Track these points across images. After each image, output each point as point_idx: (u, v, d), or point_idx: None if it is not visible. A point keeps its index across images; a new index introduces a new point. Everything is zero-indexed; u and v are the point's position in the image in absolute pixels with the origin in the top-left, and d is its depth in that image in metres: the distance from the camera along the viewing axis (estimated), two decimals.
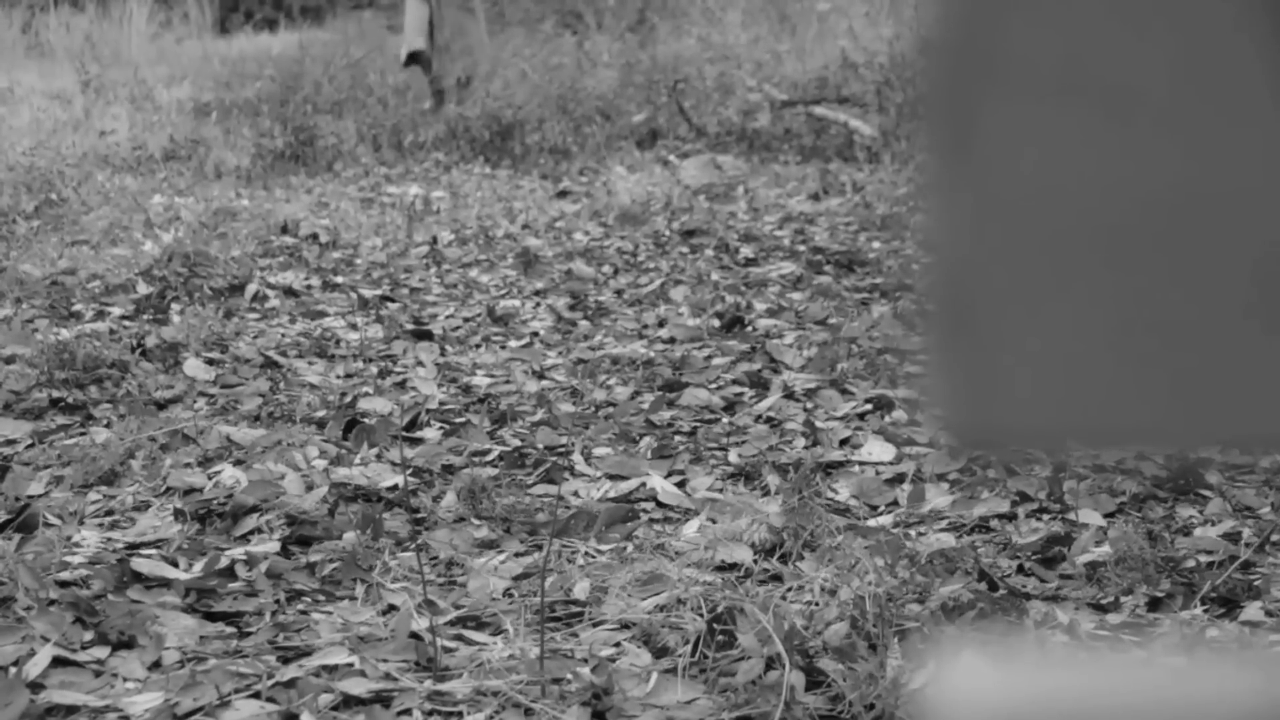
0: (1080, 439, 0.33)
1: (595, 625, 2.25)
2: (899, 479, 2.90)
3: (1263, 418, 0.31)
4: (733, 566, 2.45)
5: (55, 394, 3.51)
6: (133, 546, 2.58)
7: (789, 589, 2.31)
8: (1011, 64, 0.32)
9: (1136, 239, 0.32)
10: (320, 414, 3.39)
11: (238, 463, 3.00)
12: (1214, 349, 0.31)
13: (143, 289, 4.80)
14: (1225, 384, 0.31)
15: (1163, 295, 0.32)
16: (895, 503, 2.79)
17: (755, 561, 2.46)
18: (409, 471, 2.95)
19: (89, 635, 2.16)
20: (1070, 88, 0.32)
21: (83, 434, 3.24)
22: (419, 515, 2.75)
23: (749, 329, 4.25)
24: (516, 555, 2.57)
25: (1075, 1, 0.32)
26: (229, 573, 2.44)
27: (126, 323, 4.38)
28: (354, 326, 4.44)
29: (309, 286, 5.05)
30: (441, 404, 3.55)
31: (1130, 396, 0.32)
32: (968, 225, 0.33)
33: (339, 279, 5.19)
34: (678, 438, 3.26)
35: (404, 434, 3.25)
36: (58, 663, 2.09)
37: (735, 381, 3.70)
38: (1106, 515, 2.63)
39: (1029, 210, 0.33)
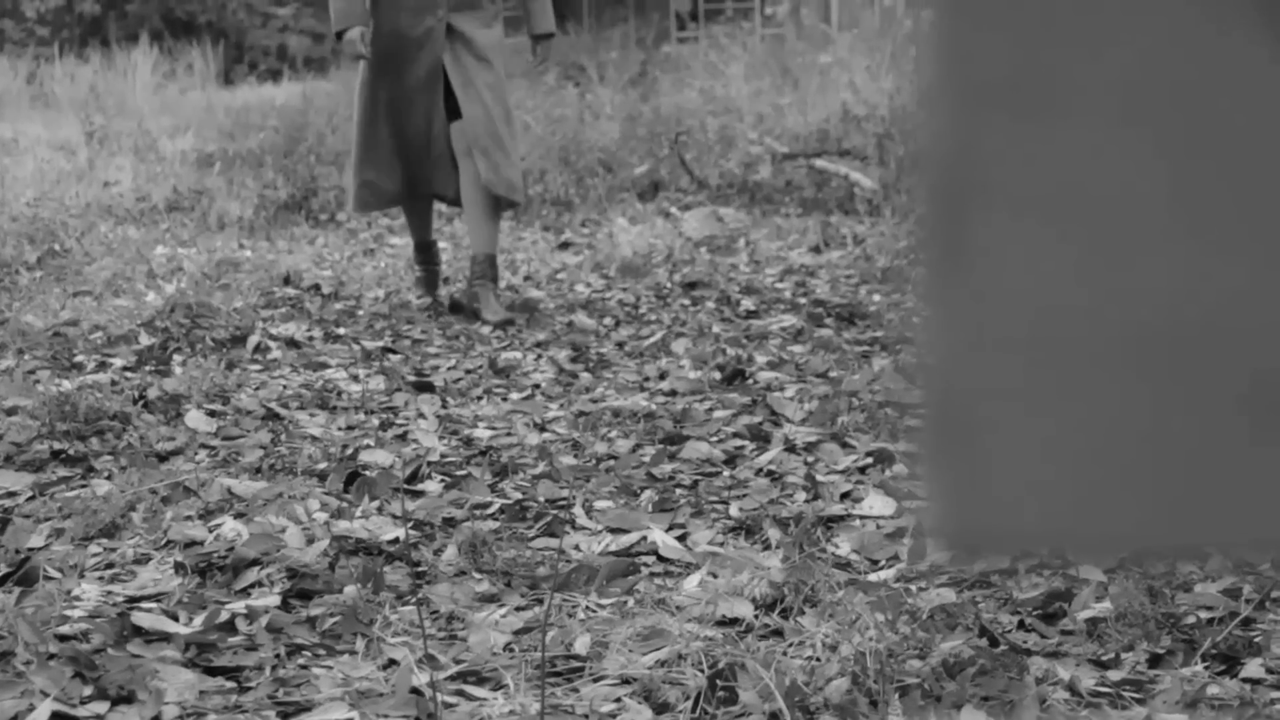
0: (1069, 544, 0.34)
1: (596, 681, 2.25)
2: (900, 533, 2.89)
3: (1247, 523, 0.31)
4: (734, 621, 2.45)
5: (56, 446, 3.51)
6: (133, 600, 2.58)
7: (790, 645, 2.31)
8: (1003, 185, 0.33)
9: (1126, 353, 0.33)
10: (321, 466, 3.39)
11: (239, 515, 3.00)
12: (1199, 458, 0.32)
13: (145, 340, 4.81)
14: (1211, 491, 0.31)
15: (1151, 406, 0.32)
16: (896, 557, 2.79)
17: (756, 617, 2.46)
18: (410, 525, 2.95)
19: (88, 690, 2.16)
20: (1060, 208, 0.32)
21: (84, 486, 3.24)
22: (420, 569, 2.75)
23: (750, 382, 4.25)
24: (517, 609, 2.57)
25: (1064, 124, 0.32)
26: (229, 627, 2.43)
27: (128, 374, 4.39)
28: (356, 378, 4.44)
29: (311, 338, 5.06)
30: (443, 456, 3.55)
31: (1118, 502, 0.33)
32: (962, 338, 0.34)
33: (341, 330, 5.20)
34: (679, 491, 3.26)
35: (405, 486, 3.25)
36: (57, 718, 2.09)
37: (736, 434, 3.70)
38: (1107, 571, 2.63)
39: (1021, 323, 0.34)
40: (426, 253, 5.86)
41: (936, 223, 0.33)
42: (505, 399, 4.20)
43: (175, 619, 2.46)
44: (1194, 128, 0.31)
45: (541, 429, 3.83)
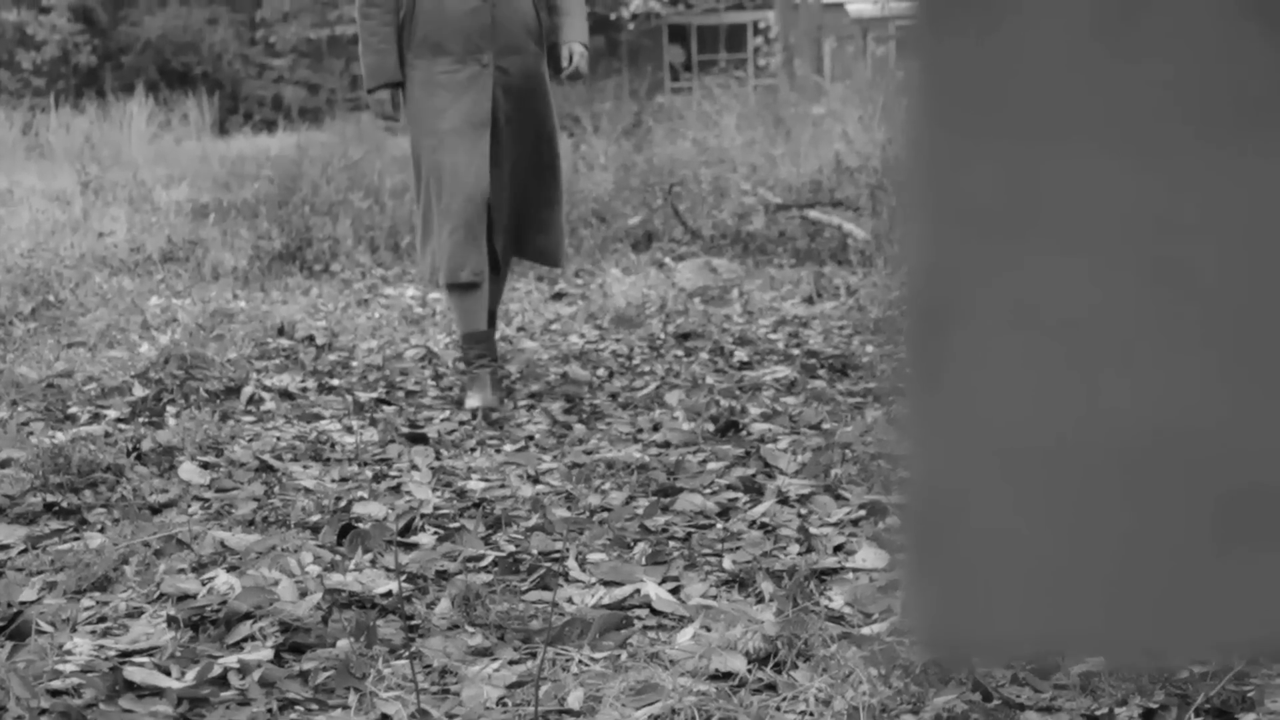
0: (1042, 649, 0.35)
1: None
2: (893, 586, 2.89)
3: (1214, 629, 0.32)
4: (727, 676, 2.44)
5: (50, 498, 3.51)
6: (125, 654, 2.57)
7: (783, 699, 2.30)
8: (981, 303, 0.34)
9: (1099, 467, 0.33)
10: (315, 519, 3.39)
11: (232, 568, 3.00)
12: (1169, 566, 0.33)
13: (139, 391, 4.81)
14: (1180, 598, 0.32)
15: (1123, 517, 0.33)
16: (890, 610, 2.79)
17: (750, 671, 2.45)
18: (403, 578, 2.95)
19: None
20: (1036, 327, 0.33)
21: (76, 539, 3.24)
22: (413, 622, 2.74)
23: (743, 433, 4.26)
24: (510, 663, 2.57)
25: (1040, 246, 0.33)
26: (222, 681, 2.43)
27: (122, 426, 4.39)
28: (349, 430, 4.44)
29: (305, 389, 5.06)
30: (436, 509, 3.55)
31: (1089, 610, 0.34)
32: (941, 451, 0.35)
33: (335, 381, 5.21)
34: (672, 543, 3.26)
35: (398, 539, 3.25)
36: None
37: (729, 486, 3.70)
38: None
39: (998, 437, 0.34)
40: (484, 344, 4.90)
41: (917, 339, 0.34)
42: (499, 450, 4.20)
43: (167, 673, 2.46)
44: (1165, 252, 0.32)
45: (535, 481, 3.83)
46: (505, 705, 2.36)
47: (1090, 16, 0.31)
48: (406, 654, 2.54)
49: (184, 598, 2.84)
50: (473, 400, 4.78)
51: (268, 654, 2.55)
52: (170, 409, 4.61)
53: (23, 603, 2.82)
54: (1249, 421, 0.31)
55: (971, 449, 0.35)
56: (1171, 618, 0.32)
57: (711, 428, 4.32)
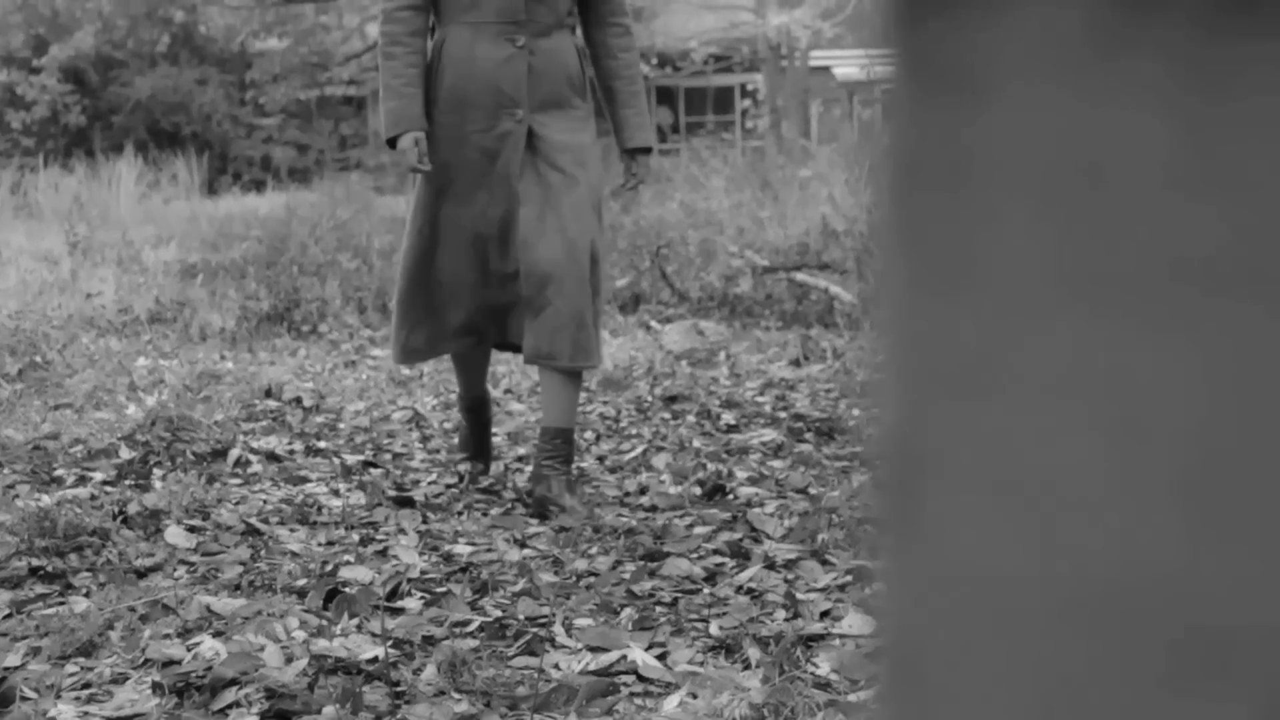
0: None
1: None
2: (878, 654, 2.89)
3: None
4: None
5: (35, 562, 3.50)
6: None
7: None
8: (950, 463, 0.35)
9: (1068, 615, 0.34)
10: (301, 583, 3.38)
11: (217, 634, 2.99)
12: (1133, 710, 0.33)
13: (125, 454, 4.81)
14: None
15: (1090, 664, 0.34)
16: (876, 678, 2.78)
17: None
18: (389, 643, 2.94)
19: None
20: (1003, 482, 0.34)
21: (61, 603, 3.23)
22: (399, 688, 2.74)
23: (730, 497, 4.26)
24: None
25: (1009, 404, 0.34)
26: None
27: (108, 488, 4.38)
28: (336, 493, 4.44)
29: (292, 451, 5.05)
30: (423, 573, 3.55)
31: None
32: (916, 605, 0.36)
33: (322, 444, 5.20)
34: (659, 609, 3.26)
35: (385, 604, 3.24)
36: None
37: (716, 551, 3.70)
38: None
39: (973, 590, 0.35)
40: (479, 412, 4.78)
41: (891, 495, 0.35)
42: (486, 514, 4.20)
43: None
44: (1131, 407, 0.33)
45: (522, 545, 3.83)
46: None
47: (1068, 166, 0.32)
48: None
49: (169, 663, 2.83)
50: (461, 464, 4.76)
51: None
52: (157, 471, 4.60)
53: (7, 668, 2.81)
54: (1206, 566, 0.32)
55: (945, 596, 0.36)
56: None
57: (698, 491, 4.32)
